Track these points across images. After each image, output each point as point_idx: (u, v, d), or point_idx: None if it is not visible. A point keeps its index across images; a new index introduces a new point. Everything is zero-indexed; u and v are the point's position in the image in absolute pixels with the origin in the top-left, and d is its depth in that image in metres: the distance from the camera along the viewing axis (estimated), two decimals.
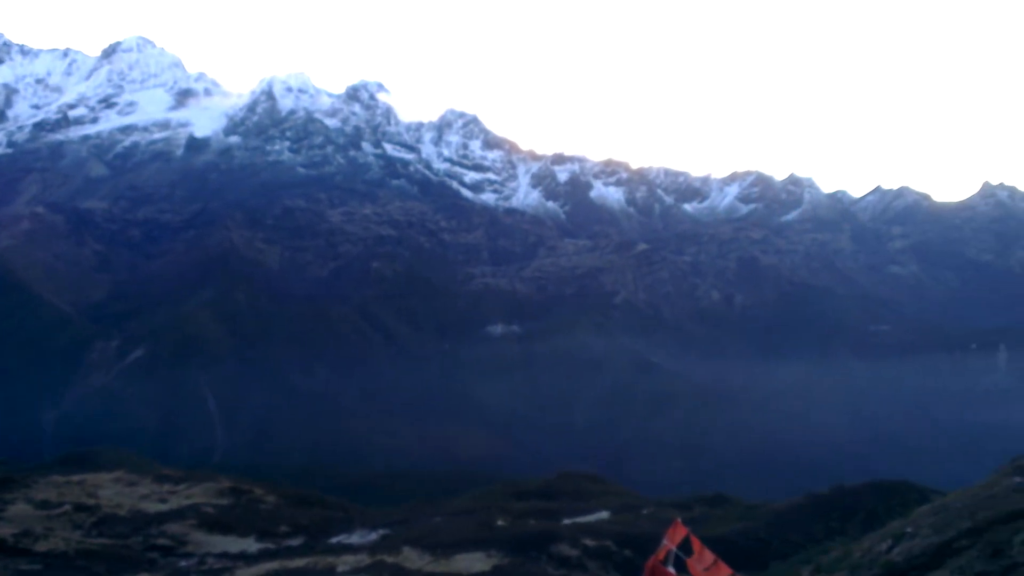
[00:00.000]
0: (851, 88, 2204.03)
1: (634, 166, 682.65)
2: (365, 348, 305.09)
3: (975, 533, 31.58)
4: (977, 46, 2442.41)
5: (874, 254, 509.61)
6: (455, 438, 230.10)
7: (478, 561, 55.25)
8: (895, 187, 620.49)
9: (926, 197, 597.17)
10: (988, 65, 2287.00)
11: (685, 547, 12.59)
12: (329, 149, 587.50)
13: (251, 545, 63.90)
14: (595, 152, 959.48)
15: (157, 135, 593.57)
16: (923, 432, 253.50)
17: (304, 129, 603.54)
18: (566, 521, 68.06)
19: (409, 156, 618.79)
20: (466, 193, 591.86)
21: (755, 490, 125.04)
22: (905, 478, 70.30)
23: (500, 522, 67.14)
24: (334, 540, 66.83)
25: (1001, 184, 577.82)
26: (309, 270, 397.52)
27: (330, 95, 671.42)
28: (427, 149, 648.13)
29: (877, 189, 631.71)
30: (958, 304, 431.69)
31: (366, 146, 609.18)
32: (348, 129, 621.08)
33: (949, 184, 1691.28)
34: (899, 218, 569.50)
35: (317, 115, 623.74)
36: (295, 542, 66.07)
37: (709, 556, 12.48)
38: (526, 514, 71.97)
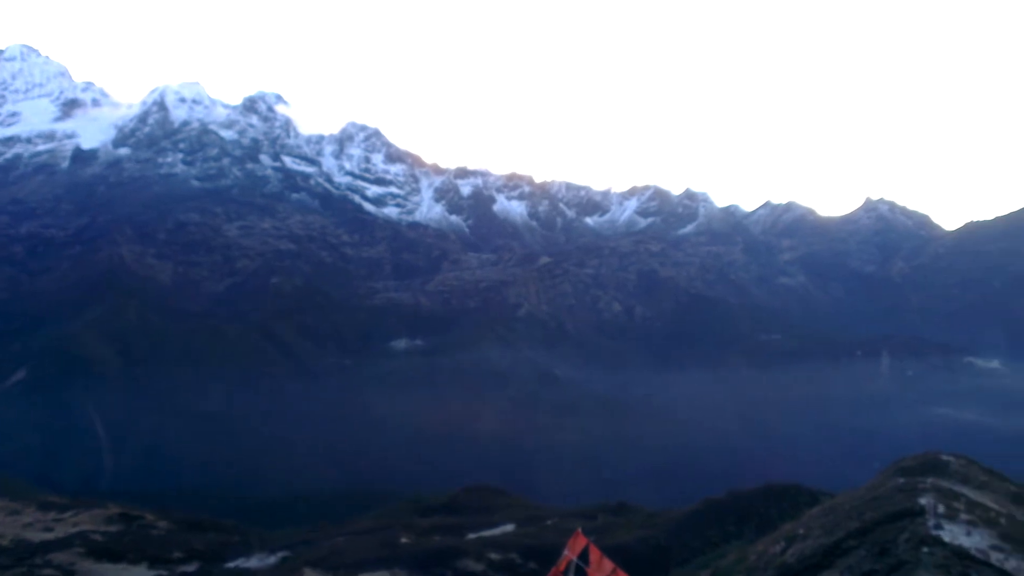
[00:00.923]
0: (743, 104, 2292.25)
1: (537, 180, 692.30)
2: (263, 366, 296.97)
3: (862, 533, 32.90)
4: (858, 67, 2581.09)
5: (765, 266, 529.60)
6: (358, 456, 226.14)
7: None
8: (784, 201, 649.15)
9: (812, 211, 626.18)
10: (869, 84, 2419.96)
11: (585, 557, 12.60)
12: (225, 161, 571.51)
13: (143, 573, 61.26)
14: (498, 166, 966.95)
15: (41, 147, 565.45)
16: (813, 436, 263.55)
17: (198, 141, 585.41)
18: (471, 536, 67.74)
19: (309, 169, 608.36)
20: (368, 207, 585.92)
21: (657, 497, 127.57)
22: (797, 481, 72.74)
23: (404, 539, 66.29)
24: (231, 565, 64.60)
25: (882, 199, 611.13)
26: (204, 286, 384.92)
27: (226, 106, 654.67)
28: (328, 162, 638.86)
29: (767, 203, 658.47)
30: (843, 313, 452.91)
31: (264, 159, 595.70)
32: (245, 141, 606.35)
33: (833, 198, 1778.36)
34: (788, 231, 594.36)
35: (212, 126, 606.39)
36: (190, 568, 63.55)
37: (608, 565, 12.53)
38: (431, 530, 71.33)
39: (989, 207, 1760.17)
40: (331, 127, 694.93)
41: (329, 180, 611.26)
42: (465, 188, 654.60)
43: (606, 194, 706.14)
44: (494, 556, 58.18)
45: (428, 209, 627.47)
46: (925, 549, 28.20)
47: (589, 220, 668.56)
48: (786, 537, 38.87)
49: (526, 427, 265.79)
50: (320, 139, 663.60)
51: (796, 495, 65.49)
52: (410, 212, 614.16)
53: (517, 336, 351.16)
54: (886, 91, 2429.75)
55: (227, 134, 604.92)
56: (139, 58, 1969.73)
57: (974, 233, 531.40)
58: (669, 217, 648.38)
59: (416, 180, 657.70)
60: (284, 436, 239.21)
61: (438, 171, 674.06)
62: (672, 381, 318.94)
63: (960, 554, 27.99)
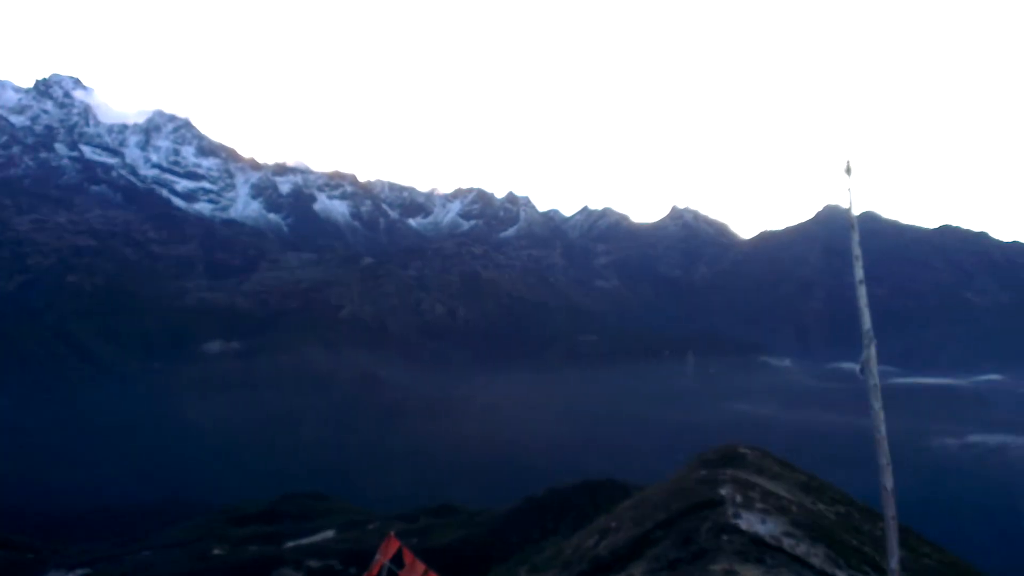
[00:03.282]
0: (564, 111, 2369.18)
1: (360, 179, 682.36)
2: (59, 370, 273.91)
3: (669, 524, 34.86)
4: (669, 84, 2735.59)
5: (582, 269, 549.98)
6: (168, 465, 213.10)
7: None
8: (600, 207, 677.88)
9: (626, 217, 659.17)
10: (678, 99, 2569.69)
11: (399, 560, 12.61)
12: (16, 149, 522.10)
13: None
14: (320, 163, 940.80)
15: None
16: (626, 432, 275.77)
17: None
18: (289, 544, 65.94)
19: (112, 160, 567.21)
20: (178, 202, 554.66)
21: (480, 497, 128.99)
22: (611, 476, 76.04)
23: (217, 551, 63.47)
24: None
25: (687, 208, 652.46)
26: None
27: (17, 89, 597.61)
28: (133, 153, 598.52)
29: (584, 209, 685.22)
30: (652, 315, 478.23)
31: (60, 147, 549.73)
32: (38, 128, 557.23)
33: (645, 205, 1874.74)
34: (603, 236, 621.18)
35: (1, 111, 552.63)
36: None
37: (420, 567, 12.58)
38: (246, 540, 68.82)
39: (780, 218, 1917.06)
40: (136, 116, 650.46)
41: (134, 172, 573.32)
42: (284, 185, 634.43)
43: (430, 196, 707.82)
44: (313, 563, 56.92)
45: (244, 206, 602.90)
46: (725, 537, 30.25)
47: (412, 221, 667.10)
48: (600, 530, 40.51)
49: (349, 430, 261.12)
50: (124, 128, 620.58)
51: (611, 489, 68.45)
52: (224, 209, 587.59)
53: (339, 338, 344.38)
54: (694, 105, 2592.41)
55: (17, 120, 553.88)
56: None
57: (767, 241, 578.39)
58: (492, 220, 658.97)
59: (231, 175, 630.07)
60: (85, 446, 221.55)
61: (255, 166, 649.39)
62: (494, 381, 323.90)
63: (756, 541, 30.26)
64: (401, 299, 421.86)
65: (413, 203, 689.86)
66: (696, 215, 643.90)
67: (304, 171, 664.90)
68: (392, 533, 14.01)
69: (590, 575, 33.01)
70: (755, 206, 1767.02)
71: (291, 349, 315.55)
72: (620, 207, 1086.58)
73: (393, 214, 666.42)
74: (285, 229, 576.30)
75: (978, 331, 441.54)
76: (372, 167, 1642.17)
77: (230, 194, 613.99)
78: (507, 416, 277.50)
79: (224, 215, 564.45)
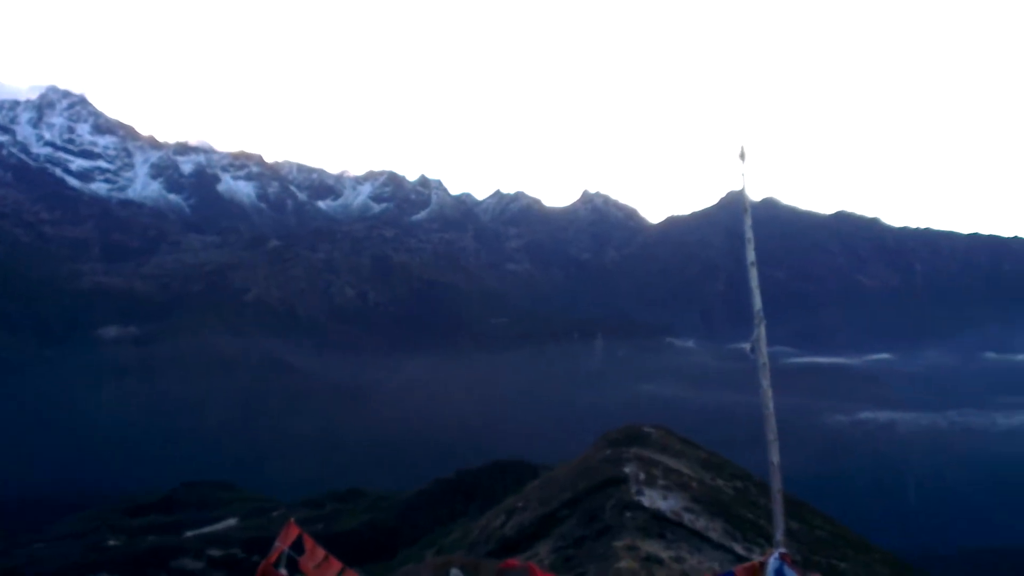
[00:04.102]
0: (477, 95, 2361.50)
1: (267, 160, 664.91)
2: None
3: (575, 502, 35.44)
4: (577, 69, 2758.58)
5: (494, 252, 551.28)
6: (62, 456, 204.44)
7: None
8: (512, 191, 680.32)
9: (538, 201, 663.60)
10: (590, 85, 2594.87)
11: (299, 547, 12.35)
12: None
13: None
14: (224, 142, 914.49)
15: None
16: (536, 413, 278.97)
17: None
18: (189, 533, 64.43)
19: (2, 137, 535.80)
20: (73, 182, 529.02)
21: (390, 480, 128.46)
22: (520, 457, 76.83)
23: (112, 542, 61.41)
24: None
25: (598, 192, 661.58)
26: None
27: None
28: (24, 130, 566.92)
29: (497, 192, 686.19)
30: (563, 297, 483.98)
31: None
32: None
33: (557, 189, 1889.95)
34: (515, 220, 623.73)
35: None
36: None
37: (320, 553, 12.36)
38: (143, 530, 66.92)
39: (687, 203, 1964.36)
40: (29, 91, 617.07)
41: (25, 151, 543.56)
42: (186, 165, 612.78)
43: (340, 178, 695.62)
44: (215, 552, 55.69)
45: (144, 186, 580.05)
46: (628, 514, 30.97)
47: (322, 204, 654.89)
48: (507, 511, 40.89)
49: (255, 417, 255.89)
50: (15, 104, 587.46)
51: (520, 470, 69.18)
52: (122, 189, 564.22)
53: (245, 322, 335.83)
54: (606, 92, 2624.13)
55: None
56: None
57: (674, 226, 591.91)
58: (403, 203, 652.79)
59: (130, 154, 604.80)
60: None
61: (156, 145, 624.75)
62: (405, 365, 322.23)
63: (658, 517, 31.11)
64: (310, 282, 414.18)
65: (322, 185, 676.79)
66: (607, 199, 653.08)
67: (207, 151, 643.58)
68: (292, 519, 13.70)
69: (497, 555, 33.26)
70: (664, 191, 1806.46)
71: (193, 334, 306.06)
72: (532, 191, 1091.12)
73: (301, 196, 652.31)
74: (187, 210, 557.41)
75: (870, 313, 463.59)
76: (280, 148, 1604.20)
77: (128, 174, 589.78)
78: (418, 400, 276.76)
79: (122, 195, 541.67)
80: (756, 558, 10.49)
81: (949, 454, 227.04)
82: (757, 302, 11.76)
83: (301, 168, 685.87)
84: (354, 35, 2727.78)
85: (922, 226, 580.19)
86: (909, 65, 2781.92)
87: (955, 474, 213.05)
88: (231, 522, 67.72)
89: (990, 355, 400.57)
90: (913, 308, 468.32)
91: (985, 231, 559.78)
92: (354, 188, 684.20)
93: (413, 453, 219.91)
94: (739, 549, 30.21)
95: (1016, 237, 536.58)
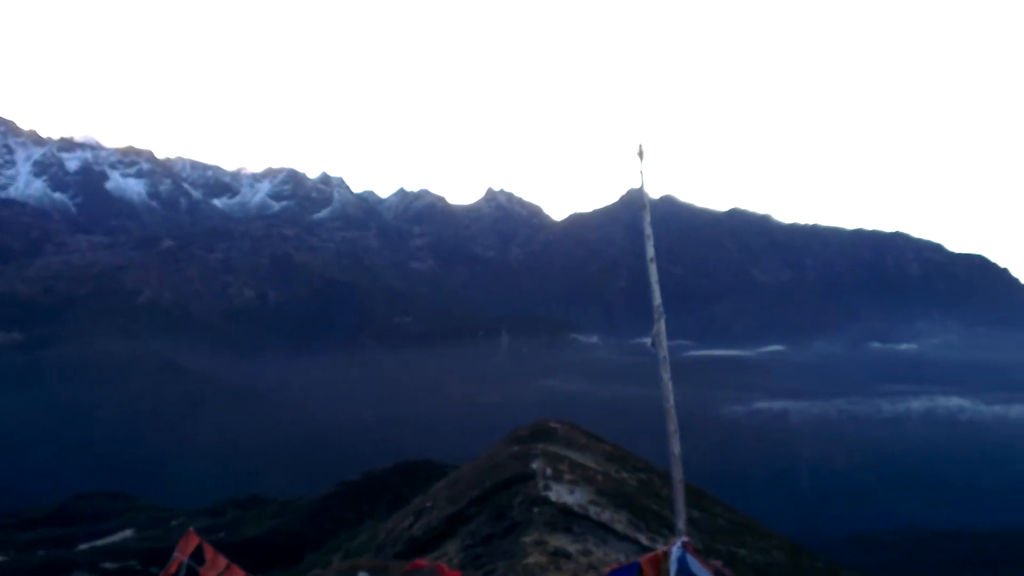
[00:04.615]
0: (380, 92, 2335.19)
1: (158, 156, 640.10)
2: None
3: (483, 500, 35.54)
4: (483, 67, 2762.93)
5: (397, 251, 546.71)
6: None
7: None
8: (416, 189, 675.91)
9: (442, 199, 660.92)
10: (495, 83, 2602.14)
11: (199, 556, 11.99)
12: None
13: None
14: (111, 138, 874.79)
15: None
16: (442, 412, 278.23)
17: None
18: (83, 546, 61.59)
19: None
20: None
21: (294, 486, 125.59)
22: (427, 457, 76.48)
23: (2, 558, 58.13)
24: None
25: (502, 190, 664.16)
26: None
27: None
28: None
29: (400, 190, 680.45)
30: (468, 295, 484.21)
31: None
32: None
33: (461, 187, 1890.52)
34: (419, 218, 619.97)
35: None
36: None
37: (222, 561, 12.05)
38: (33, 544, 63.62)
39: (589, 200, 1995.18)
40: None
41: None
42: (72, 162, 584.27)
43: (236, 175, 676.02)
44: (109, 565, 53.33)
45: (26, 184, 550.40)
46: (536, 509, 31.28)
47: (217, 202, 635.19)
48: (415, 511, 40.67)
49: (150, 423, 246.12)
50: None
51: (427, 470, 68.88)
52: (3, 188, 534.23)
53: (137, 326, 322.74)
54: (510, 90, 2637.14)
55: None
56: None
57: (577, 223, 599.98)
58: (304, 201, 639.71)
59: (10, 151, 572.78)
60: None
61: (38, 141, 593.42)
62: (307, 366, 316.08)
63: (564, 511, 31.52)
64: (206, 284, 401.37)
65: (218, 182, 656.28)
66: (510, 197, 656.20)
67: (94, 146, 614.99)
68: (192, 528, 13.29)
69: (405, 556, 33.03)
70: (567, 188, 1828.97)
71: (82, 339, 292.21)
72: (436, 189, 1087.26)
73: (196, 194, 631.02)
74: (73, 209, 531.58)
75: (763, 306, 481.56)
76: (172, 144, 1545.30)
77: (9, 171, 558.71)
78: (321, 401, 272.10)
79: (3, 194, 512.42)
80: (660, 548, 10.75)
81: (838, 441, 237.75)
82: (657, 297, 12.02)
83: (195, 165, 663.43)
84: (250, 25, 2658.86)
85: (810, 222, 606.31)
86: (793, 67, 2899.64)
87: (844, 460, 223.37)
88: (127, 533, 64.95)
89: (875, 345, 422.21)
90: (803, 301, 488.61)
91: (868, 227, 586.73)
92: (252, 186, 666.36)
93: (317, 456, 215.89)
94: (644, 539, 30.93)
95: (898, 232, 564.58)
